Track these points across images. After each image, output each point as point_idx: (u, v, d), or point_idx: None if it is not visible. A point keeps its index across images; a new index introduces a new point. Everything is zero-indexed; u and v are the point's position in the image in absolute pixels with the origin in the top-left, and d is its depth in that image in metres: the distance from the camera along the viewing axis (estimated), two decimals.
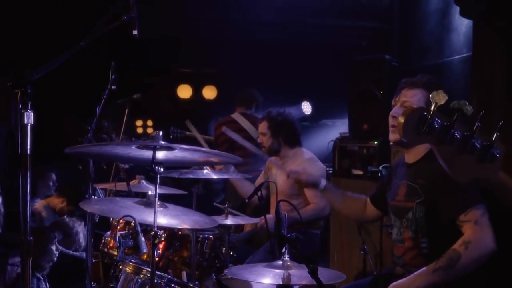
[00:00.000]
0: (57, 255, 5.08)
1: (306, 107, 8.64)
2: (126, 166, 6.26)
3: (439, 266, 3.20)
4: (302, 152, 5.54)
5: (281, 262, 3.10)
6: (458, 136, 1.83)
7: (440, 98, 1.80)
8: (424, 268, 3.27)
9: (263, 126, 5.57)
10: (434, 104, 1.79)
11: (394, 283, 3.32)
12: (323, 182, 3.98)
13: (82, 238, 5.71)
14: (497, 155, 1.88)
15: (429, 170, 3.36)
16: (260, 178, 5.77)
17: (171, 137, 7.24)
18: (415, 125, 1.79)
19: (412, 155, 3.57)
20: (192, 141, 7.39)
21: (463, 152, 1.84)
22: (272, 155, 5.65)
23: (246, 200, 4.62)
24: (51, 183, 6.91)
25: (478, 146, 1.85)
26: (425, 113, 1.79)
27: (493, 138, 1.86)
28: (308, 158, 5.46)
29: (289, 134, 5.54)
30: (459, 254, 3.17)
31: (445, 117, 1.82)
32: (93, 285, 4.52)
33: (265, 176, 5.74)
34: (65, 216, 6.03)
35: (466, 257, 3.16)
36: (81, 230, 5.75)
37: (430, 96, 1.82)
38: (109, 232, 4.64)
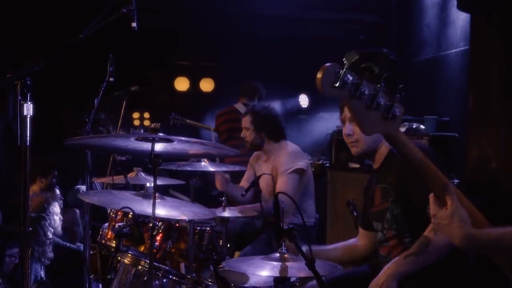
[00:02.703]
0: (50, 239, 5.10)
1: (304, 100, 8.64)
2: (123, 158, 6.28)
3: (411, 252, 3.25)
4: (286, 145, 5.49)
5: (278, 254, 3.10)
6: (366, 93, 2.04)
7: (352, 56, 2.00)
8: (394, 260, 3.32)
9: (246, 121, 5.52)
10: (346, 62, 1.99)
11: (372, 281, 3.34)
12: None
13: (56, 219, 5.64)
14: (397, 114, 2.11)
15: (394, 167, 3.42)
16: (246, 177, 5.75)
17: (171, 123, 7.26)
18: (331, 80, 1.99)
19: (377, 161, 3.62)
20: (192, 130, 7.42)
21: (369, 108, 2.06)
22: (254, 150, 5.63)
23: (243, 193, 4.62)
24: (53, 180, 6.87)
25: (382, 104, 2.08)
26: (338, 70, 1.99)
27: (394, 99, 2.09)
28: (289, 151, 5.42)
29: (272, 128, 5.48)
30: (428, 239, 3.21)
31: (356, 75, 2.03)
32: (90, 277, 4.55)
33: (250, 172, 5.72)
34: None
35: (435, 242, 3.19)
36: (54, 212, 5.68)
37: (344, 57, 2.01)
38: (106, 224, 4.65)
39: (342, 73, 1.99)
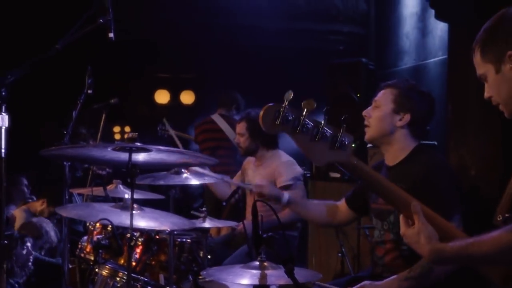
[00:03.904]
0: (31, 260, 5.04)
1: None
2: (104, 172, 6.24)
3: (411, 276, 3.23)
4: (280, 155, 5.53)
5: (257, 262, 3.08)
6: (309, 127, 2.19)
7: (289, 95, 2.17)
8: (399, 274, 3.29)
9: (241, 127, 5.55)
10: (285, 100, 2.16)
11: (369, 282, 3.33)
12: (286, 196, 3.88)
13: (53, 235, 5.65)
14: (347, 143, 2.23)
15: (409, 174, 3.39)
16: (236, 179, 5.76)
17: (158, 134, 7.26)
18: (271, 117, 2.17)
19: (392, 158, 3.60)
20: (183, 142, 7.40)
21: (314, 140, 2.19)
22: (248, 155, 5.65)
23: (224, 203, 4.61)
24: (24, 188, 6.85)
25: (328, 135, 2.21)
26: (279, 109, 2.15)
27: (341, 129, 2.22)
28: (285, 161, 5.47)
29: (268, 136, 5.51)
30: (431, 266, 3.19)
31: (298, 112, 2.18)
32: None
33: (241, 177, 5.73)
34: (32, 218, 5.97)
35: (438, 270, 3.19)
36: (50, 228, 5.69)
37: (284, 96, 2.17)
38: (85, 237, 4.61)
39: (282, 111, 2.15)
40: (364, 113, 3.63)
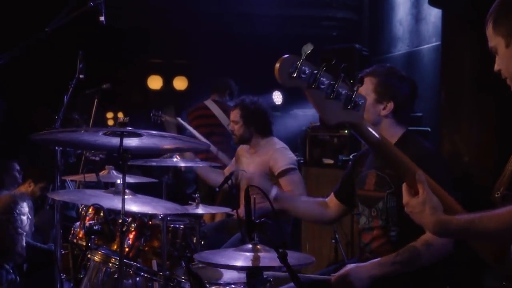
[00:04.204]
0: (19, 237, 5.03)
1: (277, 97, 8.65)
2: (97, 158, 6.22)
3: (398, 261, 3.23)
4: (274, 142, 5.52)
5: (250, 245, 3.04)
6: (325, 83, 2.08)
7: (307, 47, 2.06)
8: (383, 258, 3.30)
9: (235, 114, 5.51)
10: (303, 53, 2.04)
11: (353, 265, 3.34)
12: (274, 191, 3.81)
13: (25, 207, 5.55)
14: (360, 103, 2.14)
15: None
16: (230, 167, 5.75)
17: (151, 120, 7.24)
18: (288, 70, 2.04)
19: None
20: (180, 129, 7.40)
21: (329, 97, 2.10)
22: (242, 143, 5.62)
23: (217, 189, 4.59)
24: (16, 174, 6.82)
25: (342, 93, 2.11)
26: (296, 60, 2.04)
27: (355, 88, 2.13)
28: (279, 148, 5.45)
29: (262, 123, 5.50)
30: (419, 253, 3.20)
31: (314, 66, 2.07)
32: (62, 276, 4.49)
33: (236, 165, 5.72)
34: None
35: (425, 257, 3.20)
36: (23, 204, 5.60)
37: (302, 48, 2.07)
38: (78, 223, 4.60)
39: (299, 64, 2.02)
40: None
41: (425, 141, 3.56)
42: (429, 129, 6.07)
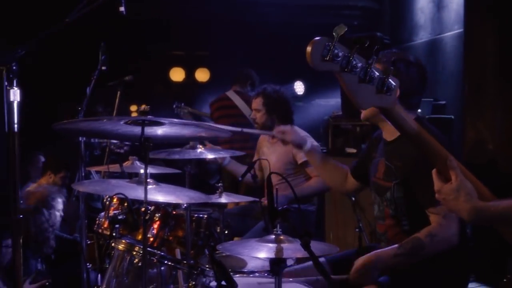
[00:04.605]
0: (51, 231, 5.09)
1: (299, 87, 8.65)
2: (121, 150, 6.27)
3: (401, 253, 3.23)
4: (296, 130, 5.51)
5: (273, 236, 3.04)
6: (358, 66, 2.00)
7: (341, 29, 1.96)
8: (387, 249, 3.31)
9: (258, 102, 5.51)
10: (335, 35, 1.95)
11: (362, 258, 3.34)
12: (309, 144, 3.93)
13: (60, 202, 5.64)
14: (393, 87, 2.06)
15: (405, 152, 3.31)
16: (255, 156, 5.76)
17: (174, 112, 7.28)
18: (321, 52, 1.95)
19: (389, 133, 3.50)
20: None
21: (363, 81, 2.02)
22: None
23: (240, 179, 4.60)
24: (41, 166, 6.91)
25: (375, 77, 2.03)
26: (328, 43, 1.95)
27: (388, 71, 2.05)
28: (302, 136, 5.44)
29: (284, 111, 5.49)
30: (423, 244, 3.19)
31: (347, 49, 1.98)
32: (88, 266, 4.54)
33: (257, 155, 5.72)
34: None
35: (429, 249, 3.19)
36: (57, 195, 5.69)
37: (334, 30, 1.98)
38: (103, 213, 4.64)
39: (332, 46, 1.94)
40: None
41: (435, 128, 3.52)
42: (452, 117, 6.04)
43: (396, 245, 3.28)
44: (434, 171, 2.21)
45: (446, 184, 2.16)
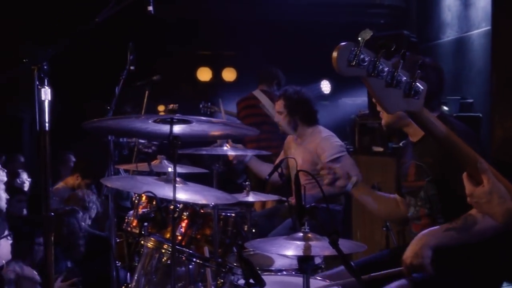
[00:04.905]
0: (84, 233, 5.14)
1: (325, 86, 8.65)
2: (149, 150, 6.33)
3: (452, 227, 3.15)
4: (320, 130, 5.51)
5: (301, 234, 3.03)
6: (385, 70, 1.98)
7: (366, 34, 1.94)
8: (436, 227, 3.23)
9: (279, 105, 5.52)
10: (361, 40, 1.94)
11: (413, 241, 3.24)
12: (355, 178, 3.74)
13: (98, 206, 5.77)
14: (420, 90, 2.04)
15: (434, 148, 3.28)
16: (280, 157, 5.78)
17: (201, 112, 7.32)
18: (346, 58, 1.93)
19: (414, 134, 3.50)
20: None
21: (390, 85, 2.00)
22: (288, 133, 5.64)
23: (267, 177, 4.62)
24: (72, 165, 7.00)
25: (402, 80, 2.01)
26: (354, 48, 1.93)
27: (415, 74, 2.02)
28: (325, 136, 5.44)
29: (306, 112, 5.49)
30: (475, 219, 3.11)
31: (373, 53, 1.96)
32: (117, 264, 4.58)
33: (284, 155, 5.73)
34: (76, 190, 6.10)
35: (482, 224, 3.09)
36: (94, 199, 5.82)
37: (359, 35, 1.95)
38: (131, 212, 4.69)
39: (358, 51, 1.93)
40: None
41: (462, 123, 3.49)
42: (480, 115, 6.01)
43: (446, 223, 3.20)
44: (464, 175, 2.17)
45: (478, 188, 2.12)
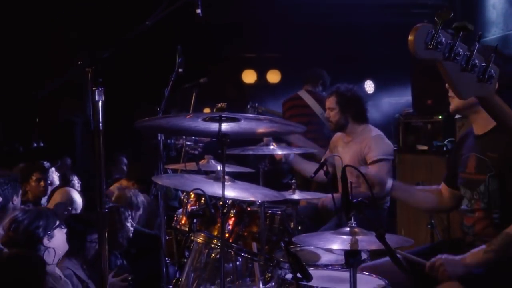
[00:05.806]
0: (132, 231, 5.24)
1: (369, 86, 8.66)
2: (196, 151, 6.43)
3: (491, 249, 3.20)
4: (370, 129, 5.53)
5: (348, 228, 3.05)
6: (460, 54, 1.93)
7: (445, 15, 1.91)
8: (476, 249, 3.26)
9: (331, 101, 5.56)
10: (439, 21, 1.89)
11: (446, 255, 3.31)
12: (390, 182, 3.84)
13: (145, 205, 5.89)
14: (493, 75, 1.98)
15: (499, 144, 3.30)
16: (325, 156, 5.80)
17: (249, 112, 7.40)
18: (424, 40, 1.89)
19: (481, 127, 3.48)
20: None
21: (465, 69, 1.95)
22: (338, 130, 5.68)
23: (312, 175, 4.66)
24: (124, 167, 7.13)
25: (477, 64, 1.96)
26: (432, 30, 1.89)
27: (489, 58, 1.97)
28: (375, 136, 5.46)
29: (357, 110, 5.53)
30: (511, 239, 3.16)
31: (450, 35, 1.92)
32: (167, 261, 4.68)
33: (330, 153, 5.76)
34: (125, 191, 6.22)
35: None
36: (143, 198, 5.94)
37: (436, 15, 1.91)
38: (180, 210, 4.78)
39: (436, 34, 1.90)
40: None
41: None
42: None
43: (484, 246, 3.24)
44: None
45: None
